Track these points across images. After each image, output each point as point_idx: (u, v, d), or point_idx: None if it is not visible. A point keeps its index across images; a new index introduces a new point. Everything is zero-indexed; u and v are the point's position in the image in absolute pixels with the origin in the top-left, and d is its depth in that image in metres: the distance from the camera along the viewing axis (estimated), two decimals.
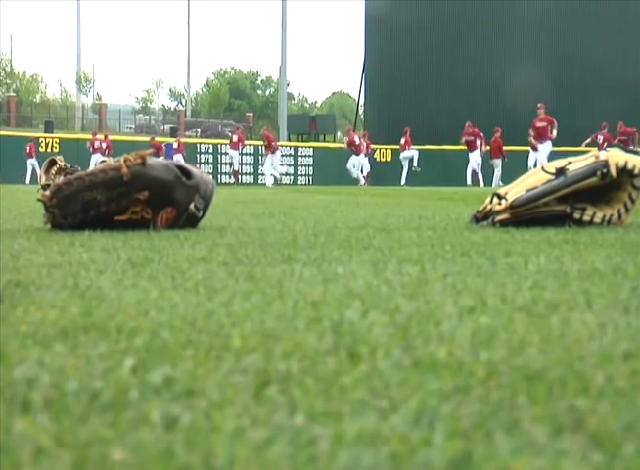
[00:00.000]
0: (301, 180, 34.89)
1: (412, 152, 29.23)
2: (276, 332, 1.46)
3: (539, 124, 22.88)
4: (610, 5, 38.48)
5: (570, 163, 4.32)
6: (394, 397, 1.05)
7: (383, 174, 31.25)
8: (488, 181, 27.24)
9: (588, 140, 25.05)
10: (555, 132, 22.53)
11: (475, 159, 27.79)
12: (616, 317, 1.60)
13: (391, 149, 33.78)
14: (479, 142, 27.55)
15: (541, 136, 22.77)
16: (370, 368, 1.20)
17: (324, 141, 39.31)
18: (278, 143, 30.30)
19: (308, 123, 40.32)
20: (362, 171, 29.24)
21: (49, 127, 36.65)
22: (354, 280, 2.15)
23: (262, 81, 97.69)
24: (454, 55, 39.87)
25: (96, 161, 29.80)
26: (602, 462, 0.84)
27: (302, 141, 39.02)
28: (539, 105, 22.89)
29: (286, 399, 1.04)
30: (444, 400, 1.04)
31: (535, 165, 20.23)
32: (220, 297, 1.87)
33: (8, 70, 78.73)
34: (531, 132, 23.08)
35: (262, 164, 31.58)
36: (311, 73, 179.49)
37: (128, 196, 3.99)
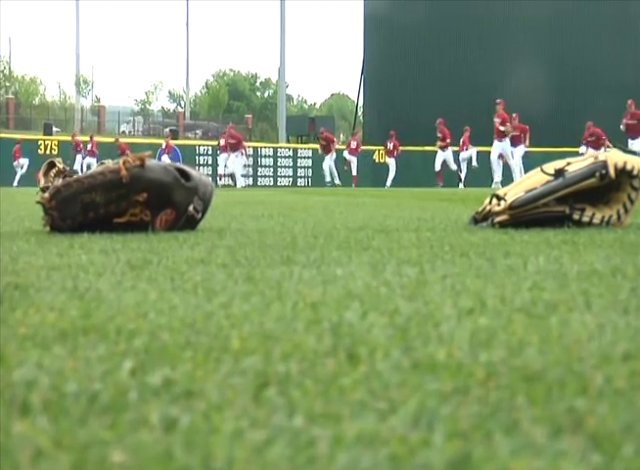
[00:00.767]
0: (300, 182, 34.90)
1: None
2: (275, 333, 1.46)
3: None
4: (610, 5, 38.54)
5: (569, 163, 4.32)
6: (394, 398, 1.05)
7: (382, 175, 31.26)
8: (450, 183, 27.57)
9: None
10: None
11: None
12: (615, 318, 1.60)
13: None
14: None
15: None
16: (369, 369, 1.20)
17: None
18: (277, 144, 30.57)
19: (307, 125, 40.31)
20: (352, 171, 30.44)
21: (48, 129, 36.65)
22: (353, 281, 2.15)
23: (261, 83, 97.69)
24: (454, 56, 39.92)
25: (80, 162, 29.97)
26: (601, 463, 0.84)
27: (301, 142, 39.01)
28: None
29: (285, 401, 1.04)
30: (443, 401, 1.04)
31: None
32: (219, 298, 1.87)
33: (7, 72, 78.69)
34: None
35: (265, 166, 32.41)
36: (310, 75, 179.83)
37: (127, 198, 3.98)
